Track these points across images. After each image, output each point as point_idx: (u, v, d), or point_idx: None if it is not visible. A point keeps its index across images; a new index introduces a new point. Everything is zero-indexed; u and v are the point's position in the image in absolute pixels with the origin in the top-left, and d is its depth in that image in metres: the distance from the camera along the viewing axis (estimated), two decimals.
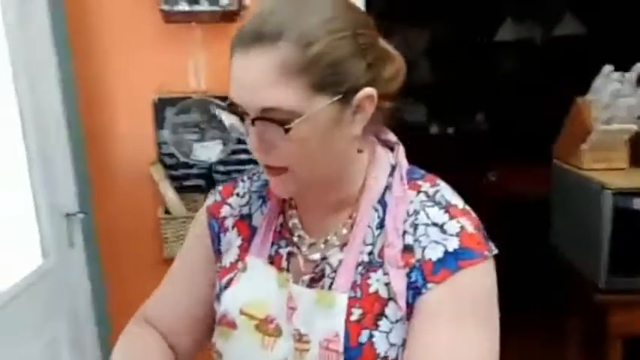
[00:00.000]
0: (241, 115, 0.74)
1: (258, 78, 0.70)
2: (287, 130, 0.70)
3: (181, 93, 1.92)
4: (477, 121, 5.03)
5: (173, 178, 1.98)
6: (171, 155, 1.96)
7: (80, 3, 1.90)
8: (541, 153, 2.71)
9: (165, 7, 1.82)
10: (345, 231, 0.82)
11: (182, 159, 1.94)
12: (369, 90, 0.74)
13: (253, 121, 0.72)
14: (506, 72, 5.02)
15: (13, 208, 1.73)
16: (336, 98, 0.72)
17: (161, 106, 1.94)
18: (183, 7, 1.83)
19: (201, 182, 2.02)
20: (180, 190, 1.97)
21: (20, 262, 1.72)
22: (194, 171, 2.00)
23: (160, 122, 1.95)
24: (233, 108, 0.75)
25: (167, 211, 1.94)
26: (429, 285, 0.73)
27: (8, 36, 1.64)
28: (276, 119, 0.70)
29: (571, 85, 2.30)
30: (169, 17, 1.88)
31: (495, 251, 0.77)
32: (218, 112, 0.77)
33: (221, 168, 2.00)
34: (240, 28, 0.73)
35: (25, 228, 1.77)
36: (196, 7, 1.84)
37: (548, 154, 2.46)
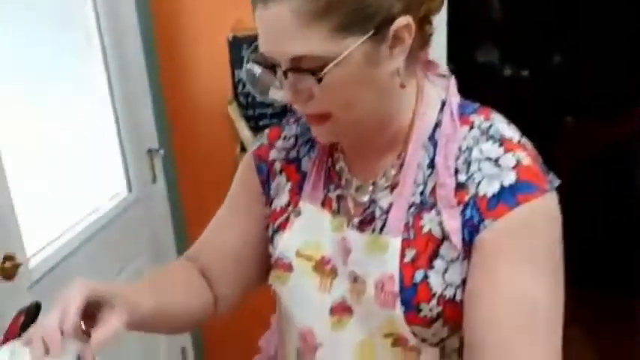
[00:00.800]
0: (273, 66, 0.71)
1: (281, 28, 0.66)
2: (320, 79, 0.67)
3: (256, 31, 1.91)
4: (554, 63, 4.78)
5: (249, 118, 2.00)
6: (247, 94, 1.98)
7: None
8: (624, 96, 2.56)
9: None
10: (393, 172, 0.78)
11: (258, 98, 1.96)
12: (404, 19, 0.68)
13: (285, 73, 0.69)
14: (586, 8, 4.70)
15: (100, 145, 1.82)
16: (367, 35, 0.66)
17: (237, 44, 1.94)
18: None
19: (275, 122, 2.03)
20: (256, 129, 1.99)
21: (107, 196, 1.82)
22: (269, 110, 2.01)
23: (237, 61, 1.95)
24: (264, 60, 0.72)
25: (243, 148, 1.98)
26: (486, 221, 0.69)
27: None
28: (308, 68, 0.67)
29: None
30: None
31: (557, 183, 0.73)
32: (250, 65, 0.75)
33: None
34: None
35: (111, 164, 1.86)
36: None
37: (631, 98, 2.33)
